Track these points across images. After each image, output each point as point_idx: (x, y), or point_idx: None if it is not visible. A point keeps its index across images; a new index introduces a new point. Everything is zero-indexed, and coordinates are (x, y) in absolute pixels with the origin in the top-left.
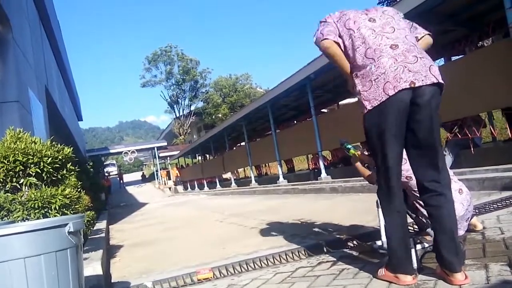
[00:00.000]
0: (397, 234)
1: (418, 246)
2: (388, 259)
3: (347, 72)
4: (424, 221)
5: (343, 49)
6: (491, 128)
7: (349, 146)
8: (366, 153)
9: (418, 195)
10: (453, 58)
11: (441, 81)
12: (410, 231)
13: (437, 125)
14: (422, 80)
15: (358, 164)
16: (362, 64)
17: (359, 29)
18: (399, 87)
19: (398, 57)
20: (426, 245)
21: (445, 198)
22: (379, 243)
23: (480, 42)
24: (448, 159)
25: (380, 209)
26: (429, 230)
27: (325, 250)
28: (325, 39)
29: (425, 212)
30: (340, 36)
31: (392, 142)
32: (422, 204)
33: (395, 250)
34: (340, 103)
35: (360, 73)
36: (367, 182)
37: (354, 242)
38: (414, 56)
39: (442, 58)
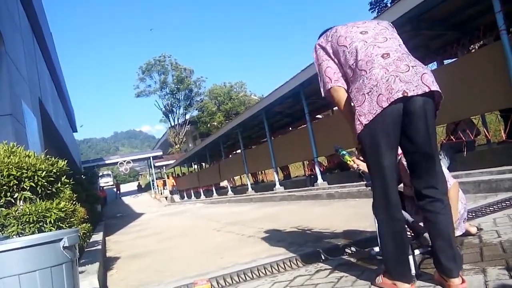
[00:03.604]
0: (395, 242)
1: (416, 252)
2: (385, 267)
3: (352, 119)
4: (422, 225)
5: (339, 67)
6: (485, 131)
7: (344, 152)
8: (361, 158)
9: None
10: (446, 61)
11: (434, 88)
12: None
13: (434, 133)
14: (413, 90)
15: (364, 165)
16: (356, 78)
17: (351, 44)
18: (392, 98)
19: (389, 67)
20: (424, 250)
21: (442, 203)
22: (376, 249)
23: (472, 46)
24: (444, 162)
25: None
26: (426, 235)
27: (323, 258)
28: (333, 86)
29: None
30: (334, 54)
31: (388, 153)
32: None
33: (392, 258)
34: (334, 108)
35: (354, 87)
36: (363, 187)
37: (352, 249)
38: (406, 65)
39: (435, 62)
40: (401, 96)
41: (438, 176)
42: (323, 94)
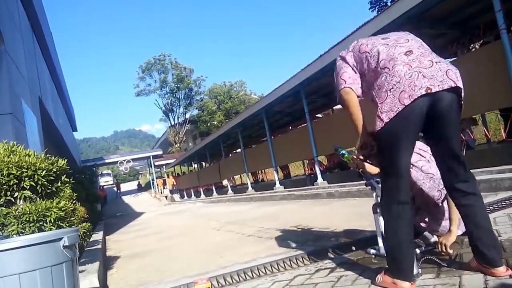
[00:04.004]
0: (401, 239)
1: (416, 251)
2: (388, 264)
3: (359, 124)
4: (423, 225)
5: (360, 73)
6: (485, 130)
7: (344, 152)
8: (361, 158)
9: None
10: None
11: (459, 85)
12: None
13: (458, 129)
14: (438, 85)
15: (364, 164)
16: (378, 77)
17: (372, 48)
18: (414, 95)
19: (412, 63)
20: (424, 249)
21: (475, 195)
22: (376, 248)
23: (472, 45)
24: None
25: (379, 215)
26: (426, 233)
27: (322, 257)
28: (345, 87)
29: (429, 218)
30: (357, 63)
31: (405, 151)
32: (422, 207)
33: (397, 255)
34: (334, 108)
35: (376, 84)
36: (363, 187)
37: (352, 248)
38: (430, 61)
39: None
40: (424, 93)
41: (467, 169)
42: (337, 99)
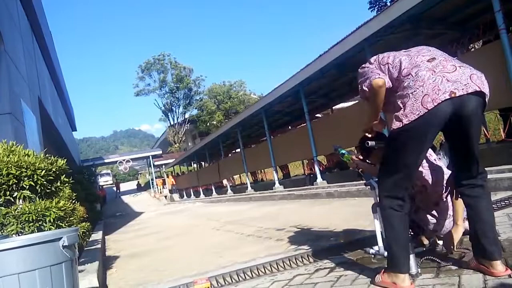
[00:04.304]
0: (403, 237)
1: (416, 251)
2: (389, 264)
3: (377, 113)
4: (424, 227)
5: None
6: (485, 130)
7: (343, 152)
8: (361, 157)
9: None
10: None
11: (484, 89)
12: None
13: (479, 131)
14: (462, 89)
15: (364, 164)
16: (400, 84)
17: (394, 59)
18: (438, 99)
19: (436, 68)
20: (425, 248)
21: (483, 188)
22: (375, 248)
23: (471, 45)
24: (444, 162)
25: (378, 214)
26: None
27: (322, 257)
28: (378, 78)
29: (429, 218)
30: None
31: (418, 154)
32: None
33: (399, 253)
34: (334, 107)
35: (398, 91)
36: (363, 186)
37: (352, 247)
38: (453, 65)
39: None
40: (448, 97)
41: (480, 164)
42: (364, 87)
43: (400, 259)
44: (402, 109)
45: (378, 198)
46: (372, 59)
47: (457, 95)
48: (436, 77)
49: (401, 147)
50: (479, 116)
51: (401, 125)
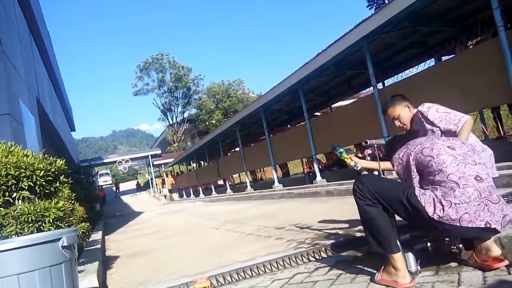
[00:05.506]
0: (375, 213)
1: (415, 248)
2: (374, 246)
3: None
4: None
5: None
6: (483, 127)
7: (341, 150)
8: (360, 155)
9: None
10: (444, 58)
11: (502, 231)
12: (406, 234)
13: None
14: (495, 223)
15: (364, 162)
16: (440, 182)
17: (439, 155)
18: (474, 224)
19: (482, 192)
20: (423, 246)
21: None
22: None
23: (470, 42)
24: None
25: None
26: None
27: (322, 255)
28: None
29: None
30: (415, 160)
31: None
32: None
33: (386, 235)
34: (332, 106)
35: (439, 187)
36: None
37: (351, 246)
38: (498, 196)
39: (433, 59)
40: (483, 226)
41: None
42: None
43: (386, 239)
44: (443, 208)
45: None
46: (410, 146)
47: (491, 226)
48: (481, 201)
49: (411, 213)
50: None
51: (432, 213)
